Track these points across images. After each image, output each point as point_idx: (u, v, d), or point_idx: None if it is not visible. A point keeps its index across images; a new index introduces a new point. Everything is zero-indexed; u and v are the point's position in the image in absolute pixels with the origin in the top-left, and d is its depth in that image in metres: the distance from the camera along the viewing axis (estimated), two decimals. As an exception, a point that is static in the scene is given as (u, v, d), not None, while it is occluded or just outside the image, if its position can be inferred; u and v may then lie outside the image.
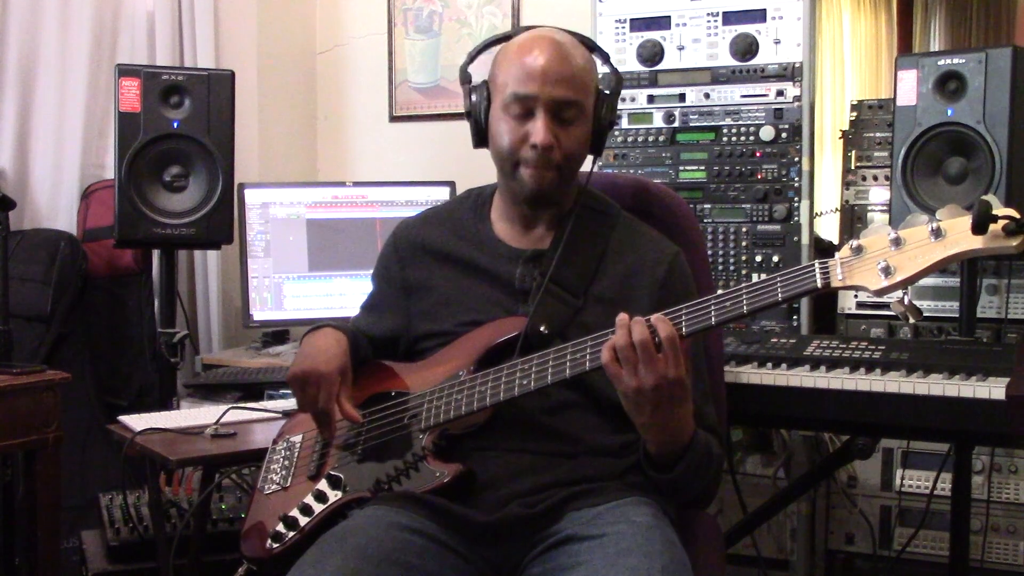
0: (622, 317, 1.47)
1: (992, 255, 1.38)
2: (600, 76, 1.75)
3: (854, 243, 1.41)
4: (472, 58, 1.78)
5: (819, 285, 1.42)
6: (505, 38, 1.75)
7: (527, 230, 1.76)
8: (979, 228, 1.32)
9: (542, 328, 1.64)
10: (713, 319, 1.47)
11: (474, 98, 1.72)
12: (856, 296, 2.80)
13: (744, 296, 1.46)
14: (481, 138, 1.74)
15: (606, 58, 1.79)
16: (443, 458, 1.60)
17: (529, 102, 1.63)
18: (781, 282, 1.45)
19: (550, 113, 1.63)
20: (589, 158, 1.75)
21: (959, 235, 1.35)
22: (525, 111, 1.64)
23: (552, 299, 1.67)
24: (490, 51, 1.78)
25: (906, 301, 1.40)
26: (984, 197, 1.34)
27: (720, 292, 1.49)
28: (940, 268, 1.38)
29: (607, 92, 1.73)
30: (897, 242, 1.38)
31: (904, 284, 1.37)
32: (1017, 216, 1.32)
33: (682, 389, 1.48)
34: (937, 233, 1.36)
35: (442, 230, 1.82)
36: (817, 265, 1.43)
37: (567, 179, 1.70)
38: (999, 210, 1.32)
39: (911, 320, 1.45)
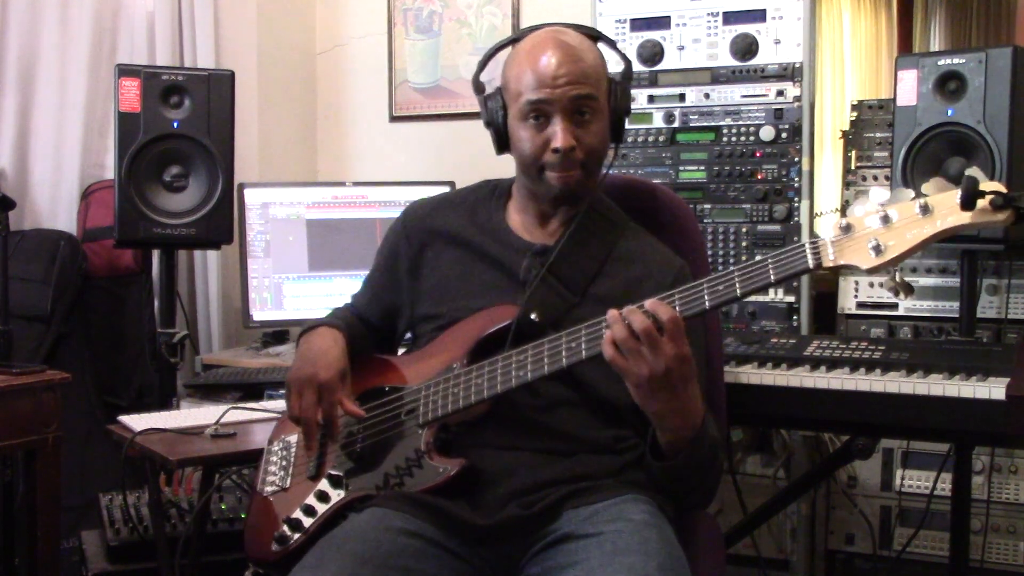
0: (612, 313, 1.47)
1: (981, 229, 1.38)
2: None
3: (843, 221, 1.40)
4: (482, 67, 1.79)
5: (811, 265, 1.42)
6: (511, 42, 1.76)
7: (541, 225, 1.76)
8: (967, 204, 1.33)
9: (533, 316, 1.64)
10: (707, 303, 1.47)
11: (491, 106, 1.73)
12: (856, 296, 2.80)
13: (736, 278, 1.46)
14: (502, 145, 1.74)
15: (612, 45, 1.79)
16: (444, 453, 1.60)
17: (545, 107, 1.64)
18: (773, 263, 1.44)
19: (567, 115, 1.64)
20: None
21: (947, 210, 1.35)
22: (542, 116, 1.65)
23: (548, 290, 1.67)
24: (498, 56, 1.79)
25: (897, 278, 1.41)
26: (970, 172, 1.34)
27: (711, 276, 1.48)
28: (930, 244, 1.38)
29: (618, 80, 1.73)
30: (886, 219, 1.37)
31: (896, 262, 1.37)
32: (1004, 191, 1.33)
33: (690, 367, 1.48)
34: (925, 209, 1.36)
35: (456, 214, 1.81)
36: (808, 245, 1.43)
37: (592, 174, 1.71)
38: (986, 185, 1.33)
39: (903, 296, 1.45)
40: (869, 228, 1.38)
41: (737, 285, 1.45)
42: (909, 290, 1.42)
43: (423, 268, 1.80)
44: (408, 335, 1.87)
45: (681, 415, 1.51)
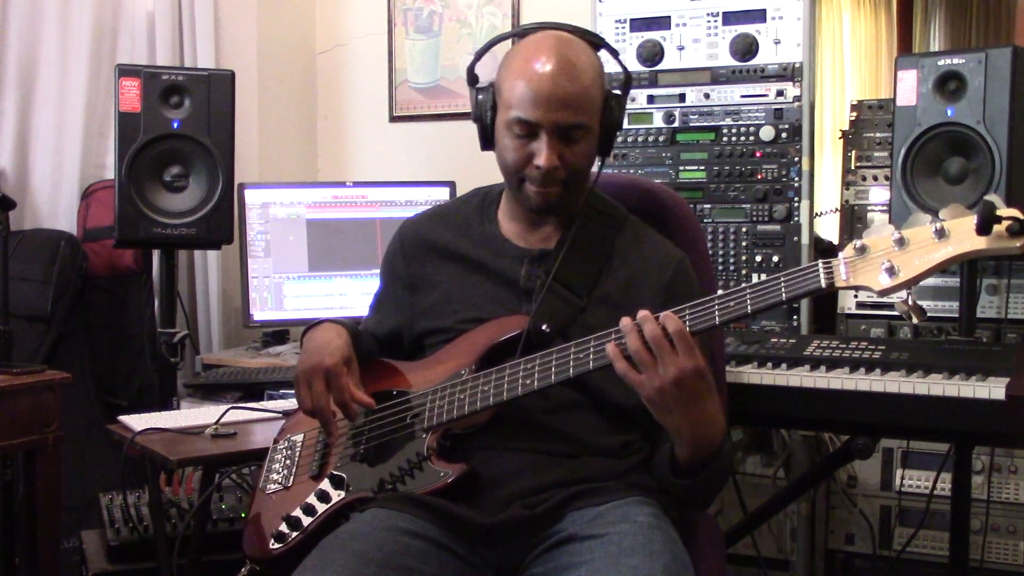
0: (626, 321, 1.47)
1: (995, 255, 1.38)
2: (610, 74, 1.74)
3: (858, 243, 1.40)
4: (478, 58, 1.77)
5: (823, 285, 1.42)
6: (511, 36, 1.74)
7: (534, 230, 1.76)
8: (983, 229, 1.32)
9: (544, 327, 1.64)
10: (717, 319, 1.46)
11: (481, 100, 1.71)
12: (856, 296, 2.80)
13: (748, 296, 1.46)
14: (487, 141, 1.73)
15: (615, 54, 1.77)
16: (446, 458, 1.60)
17: (533, 127, 1.62)
18: (785, 282, 1.44)
19: (553, 135, 1.62)
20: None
21: (963, 235, 1.35)
22: (529, 132, 1.63)
23: (555, 298, 1.67)
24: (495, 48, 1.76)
25: (910, 301, 1.40)
26: (987, 198, 1.34)
27: (724, 292, 1.49)
28: (944, 268, 1.38)
29: (616, 92, 1.71)
30: (901, 242, 1.37)
31: (908, 284, 1.37)
32: (1021, 217, 1.32)
33: (704, 381, 1.46)
34: (941, 233, 1.36)
35: (448, 227, 1.81)
36: (821, 265, 1.42)
37: (574, 191, 1.70)
38: (1003, 211, 1.32)
39: (915, 320, 1.45)
40: (884, 250, 1.38)
41: (748, 303, 1.45)
42: (921, 313, 1.41)
43: (423, 284, 1.79)
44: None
45: (698, 431, 1.49)
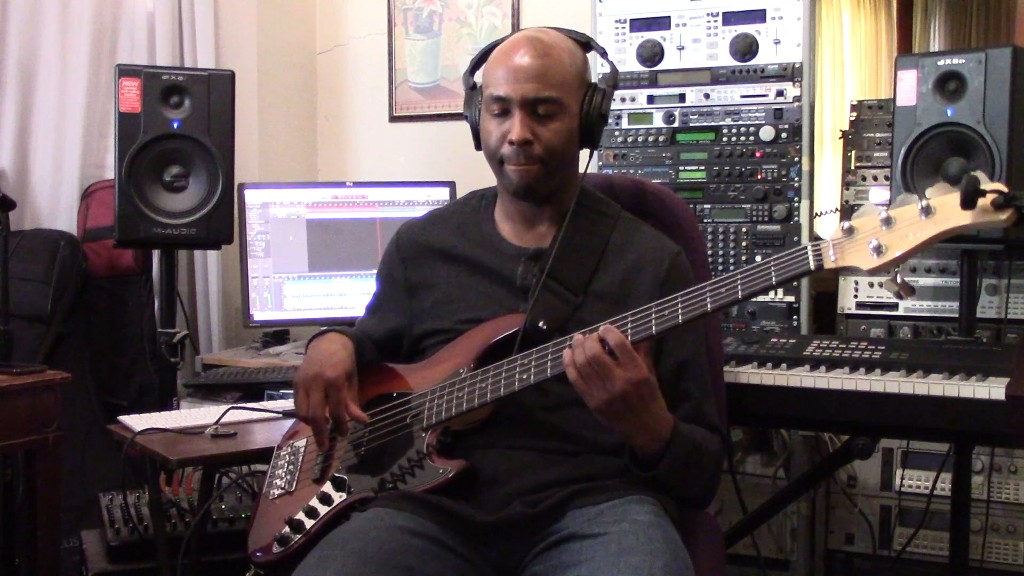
0: (577, 337, 1.49)
1: (983, 230, 1.38)
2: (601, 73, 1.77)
3: (845, 224, 1.41)
4: (475, 65, 1.81)
5: (812, 267, 1.42)
6: (502, 42, 1.77)
7: (529, 228, 1.77)
8: (968, 203, 1.33)
9: (541, 324, 1.65)
10: (709, 305, 1.48)
11: (470, 103, 1.77)
12: (856, 296, 2.80)
13: (739, 281, 1.46)
14: (478, 140, 1.77)
15: (603, 53, 1.80)
16: (446, 456, 1.61)
17: (504, 102, 1.67)
18: (775, 266, 1.45)
19: (525, 110, 1.66)
20: (584, 154, 1.77)
21: (949, 211, 1.35)
22: (504, 111, 1.68)
23: (551, 296, 1.68)
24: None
25: (899, 279, 1.41)
26: (972, 173, 1.34)
27: (714, 279, 1.49)
28: (931, 245, 1.38)
29: (599, 85, 1.74)
30: (888, 221, 1.38)
31: (896, 262, 1.37)
32: (1005, 190, 1.33)
33: (648, 388, 1.49)
34: (927, 211, 1.36)
35: (445, 229, 1.83)
36: (810, 247, 1.43)
37: (553, 172, 1.71)
38: (987, 185, 1.33)
39: (904, 297, 1.45)
40: (871, 230, 1.39)
41: (740, 288, 1.46)
42: (910, 291, 1.42)
43: (422, 287, 1.81)
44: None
45: (646, 432, 1.53)
